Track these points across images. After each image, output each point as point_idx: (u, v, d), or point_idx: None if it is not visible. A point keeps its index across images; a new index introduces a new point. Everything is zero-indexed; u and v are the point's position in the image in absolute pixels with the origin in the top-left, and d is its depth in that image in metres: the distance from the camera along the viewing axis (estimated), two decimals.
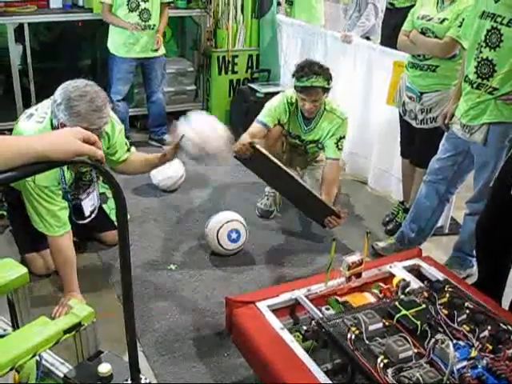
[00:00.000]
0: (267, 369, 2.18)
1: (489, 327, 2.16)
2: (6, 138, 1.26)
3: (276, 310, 2.45)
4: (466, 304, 2.31)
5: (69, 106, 2.74)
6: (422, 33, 3.57)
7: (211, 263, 3.58)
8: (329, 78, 3.82)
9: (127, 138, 4.68)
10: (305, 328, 2.32)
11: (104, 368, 1.81)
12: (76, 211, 3.22)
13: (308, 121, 3.98)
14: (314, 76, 3.76)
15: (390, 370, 1.95)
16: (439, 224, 3.84)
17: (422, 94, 3.67)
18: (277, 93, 4.26)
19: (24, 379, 1.87)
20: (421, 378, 1.89)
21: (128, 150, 3.38)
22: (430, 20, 3.55)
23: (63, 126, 2.79)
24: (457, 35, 3.40)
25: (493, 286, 2.99)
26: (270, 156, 3.52)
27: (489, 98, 2.99)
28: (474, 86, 3.04)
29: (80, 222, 3.26)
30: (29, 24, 5.08)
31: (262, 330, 2.34)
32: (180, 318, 3.08)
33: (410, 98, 3.76)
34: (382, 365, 1.97)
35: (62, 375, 1.94)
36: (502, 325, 2.20)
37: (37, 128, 2.93)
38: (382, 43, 5.20)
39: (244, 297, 2.57)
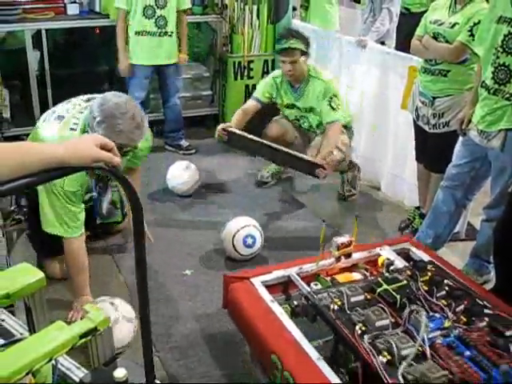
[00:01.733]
0: (257, 338, 2.35)
1: (465, 302, 2.32)
2: (29, 144, 1.28)
3: (269, 286, 2.60)
4: (446, 282, 2.48)
5: (111, 123, 2.74)
6: (434, 37, 3.57)
7: (227, 268, 3.58)
8: (306, 43, 4.26)
9: None
10: (295, 303, 2.47)
11: (120, 373, 1.81)
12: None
13: (294, 88, 4.38)
14: (292, 38, 4.19)
15: (366, 337, 2.12)
16: (456, 229, 3.81)
17: (434, 98, 3.66)
18: None
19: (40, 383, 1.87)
20: (394, 344, 2.04)
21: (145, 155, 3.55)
22: (441, 24, 3.54)
23: None
24: (466, 40, 3.40)
25: (510, 291, 2.96)
26: (244, 134, 4.10)
27: (506, 104, 2.96)
28: (491, 91, 3.02)
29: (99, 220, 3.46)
30: (46, 30, 5.13)
31: (254, 302, 2.49)
32: (195, 324, 3.09)
33: (422, 102, 3.75)
34: (359, 332, 2.15)
35: (77, 380, 1.95)
36: (478, 301, 2.38)
37: (69, 136, 2.89)
38: (397, 48, 5.19)
39: (240, 273, 2.74)
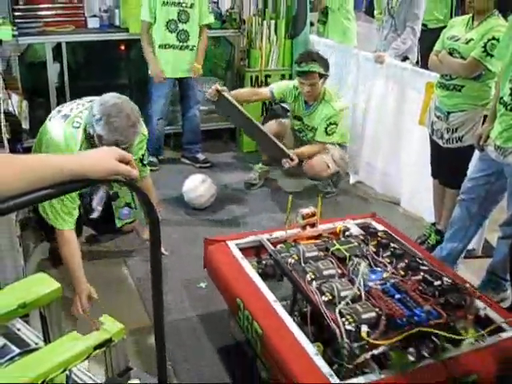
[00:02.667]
0: (226, 287, 2.80)
1: (405, 261, 2.74)
2: (47, 156, 1.29)
3: (243, 249, 3.00)
4: (393, 245, 2.90)
5: (108, 121, 3.00)
6: (450, 53, 3.60)
7: None
8: (325, 66, 4.54)
9: (159, 154, 4.77)
10: (264, 262, 2.93)
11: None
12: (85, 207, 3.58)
13: (308, 106, 4.70)
14: (311, 62, 4.46)
15: (314, 283, 2.51)
16: (472, 246, 3.79)
17: (449, 113, 3.67)
18: None
19: None
20: (335, 287, 2.42)
21: (143, 165, 3.70)
22: (457, 40, 3.57)
23: (99, 137, 3.07)
24: (480, 55, 3.40)
25: None
26: (232, 101, 4.26)
27: None
28: (509, 107, 3.02)
29: (90, 215, 3.67)
30: (66, 43, 5.19)
31: (227, 259, 2.92)
32: (209, 336, 3.10)
33: (438, 117, 3.76)
34: (309, 279, 2.53)
35: None
36: (418, 260, 2.77)
37: (73, 132, 3.21)
38: (417, 63, 5.19)
39: (219, 237, 3.12)
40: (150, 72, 5.08)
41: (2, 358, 2.01)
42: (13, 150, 3.46)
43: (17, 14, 5.14)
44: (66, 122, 3.29)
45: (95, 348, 1.81)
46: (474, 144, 3.41)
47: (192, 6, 4.99)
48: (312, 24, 6.19)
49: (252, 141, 5.26)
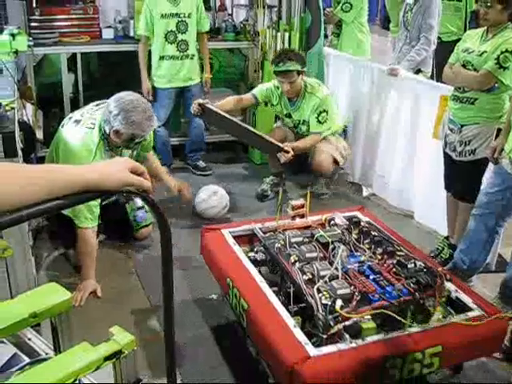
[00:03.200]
0: (218, 268, 3.07)
1: (383, 247, 3.03)
2: (59, 167, 1.29)
3: (236, 237, 3.26)
4: (373, 233, 3.19)
5: (126, 116, 3.31)
6: (463, 65, 3.58)
7: None
8: (302, 62, 4.62)
9: (166, 163, 5.11)
10: (255, 249, 3.17)
11: None
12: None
13: (292, 102, 4.78)
14: (288, 61, 4.53)
15: (297, 264, 2.79)
16: (487, 261, 3.76)
17: (462, 126, 3.66)
18: None
19: None
20: (315, 267, 2.71)
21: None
22: (471, 53, 3.56)
23: (117, 132, 3.36)
24: (492, 68, 3.39)
25: None
26: (217, 110, 4.36)
27: None
28: None
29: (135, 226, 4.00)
30: (81, 54, 5.23)
31: (220, 245, 3.19)
32: (219, 347, 3.08)
33: (451, 130, 3.75)
34: (292, 260, 2.82)
35: None
36: (395, 246, 3.05)
37: (88, 133, 3.43)
38: (432, 77, 5.18)
39: (214, 226, 3.43)
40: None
41: (12, 368, 2.01)
42: (27, 160, 3.49)
43: (33, 24, 5.19)
44: (79, 125, 3.48)
45: (106, 359, 1.81)
46: (487, 157, 3.39)
47: (190, 15, 5.06)
48: (326, 36, 6.20)
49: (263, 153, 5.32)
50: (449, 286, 2.85)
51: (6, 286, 2.58)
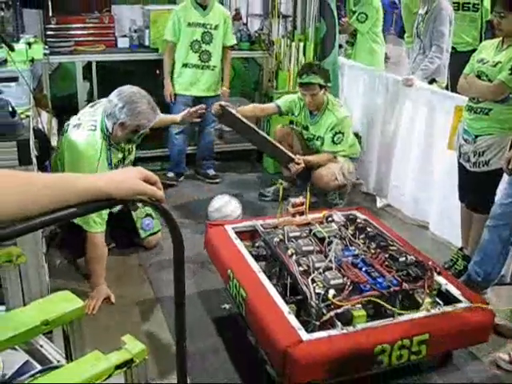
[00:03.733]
0: (220, 261, 3.25)
1: (377, 242, 3.21)
2: (71, 175, 1.28)
3: (238, 233, 3.43)
4: (368, 229, 3.36)
5: (131, 107, 3.37)
6: (478, 76, 3.57)
7: None
8: (325, 77, 4.69)
9: (179, 170, 5.27)
10: (256, 244, 3.36)
11: None
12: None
13: (313, 115, 4.83)
14: (311, 74, 4.60)
15: (294, 257, 2.97)
16: (501, 273, 3.73)
17: (476, 136, 3.64)
18: None
19: None
20: (311, 260, 2.89)
21: None
22: (485, 63, 3.54)
23: (122, 124, 3.40)
24: (506, 78, 3.37)
25: None
26: (236, 114, 4.49)
27: None
28: None
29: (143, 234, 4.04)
30: (97, 62, 5.26)
31: (222, 239, 3.36)
32: (231, 358, 3.07)
33: (465, 140, 3.73)
34: (289, 253, 3.00)
35: None
36: (389, 241, 3.23)
37: (91, 134, 3.46)
38: (447, 88, 5.15)
39: (217, 222, 3.70)
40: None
41: (23, 375, 2.01)
42: (41, 167, 3.50)
43: (49, 33, 5.24)
44: (80, 128, 3.51)
45: (117, 368, 1.80)
46: (502, 167, 3.37)
47: (216, 27, 5.12)
48: (341, 46, 6.20)
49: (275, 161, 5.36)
50: (440, 279, 3.02)
51: (19, 292, 2.57)
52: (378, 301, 2.68)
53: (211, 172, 5.54)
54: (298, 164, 4.55)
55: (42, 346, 2.23)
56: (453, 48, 5.41)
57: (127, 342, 1.88)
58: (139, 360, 1.87)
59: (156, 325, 3.32)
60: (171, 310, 3.33)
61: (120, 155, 3.70)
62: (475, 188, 3.76)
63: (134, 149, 3.91)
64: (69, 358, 2.20)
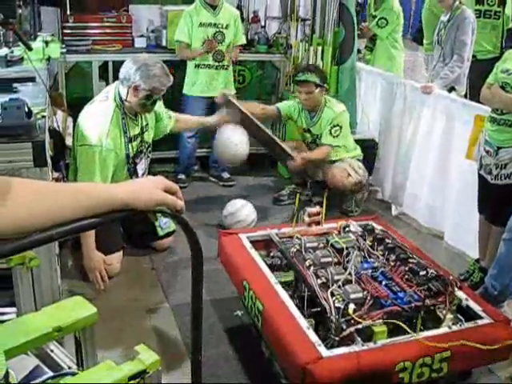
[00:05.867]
0: (235, 271, 3.19)
1: (397, 254, 3.12)
2: (91, 185, 1.26)
3: (253, 242, 3.37)
4: (387, 241, 3.25)
5: (147, 69, 3.51)
6: (502, 87, 3.49)
7: None
8: (321, 76, 4.74)
9: (189, 173, 5.32)
10: (272, 254, 3.29)
11: None
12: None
13: (312, 116, 4.85)
14: (307, 72, 4.67)
15: (312, 268, 2.88)
16: None
17: (498, 148, 3.57)
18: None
19: None
20: (329, 272, 2.80)
21: (170, 117, 4.16)
22: (510, 74, 3.47)
23: (135, 88, 3.52)
24: None
25: None
26: (238, 105, 4.50)
27: None
28: None
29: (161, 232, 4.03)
30: (113, 62, 5.24)
31: (236, 248, 3.31)
32: (244, 365, 3.03)
33: (487, 152, 3.66)
34: (307, 264, 2.91)
35: None
36: (408, 253, 3.13)
37: (101, 104, 3.64)
38: (465, 96, 5.10)
39: (232, 231, 3.65)
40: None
41: (33, 380, 1.98)
42: (55, 167, 3.48)
43: (66, 31, 5.22)
44: (93, 104, 3.69)
45: (130, 378, 1.77)
46: None
47: (227, 26, 5.15)
48: (359, 51, 6.15)
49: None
50: (460, 294, 2.94)
51: (30, 296, 2.54)
52: (399, 323, 2.61)
53: (225, 175, 5.51)
54: (296, 161, 4.57)
55: (52, 351, 2.20)
56: (473, 56, 5.35)
57: (140, 352, 1.84)
58: (152, 371, 1.83)
59: (168, 329, 3.30)
60: (183, 316, 3.30)
61: (137, 130, 3.79)
62: (496, 201, 3.70)
63: (152, 132, 4.00)
64: (80, 364, 2.16)
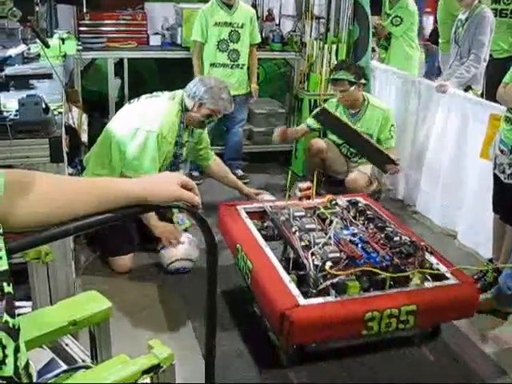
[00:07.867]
0: (230, 237, 3.49)
1: (375, 223, 3.43)
2: (107, 180, 1.27)
3: (249, 213, 3.67)
4: (368, 212, 3.57)
5: (216, 91, 3.79)
6: None
7: None
8: (356, 73, 4.64)
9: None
10: (265, 224, 3.61)
11: None
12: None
13: (353, 114, 4.82)
14: (340, 71, 4.65)
15: (297, 233, 3.21)
16: None
17: None
18: None
19: None
20: (312, 236, 3.11)
21: (210, 151, 4.38)
22: None
23: (201, 105, 3.79)
24: None
25: None
26: (336, 115, 4.63)
27: None
28: None
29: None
30: (128, 59, 5.27)
31: (233, 218, 3.61)
32: (256, 363, 3.04)
33: (501, 151, 3.63)
34: (293, 230, 3.25)
35: None
36: (386, 223, 3.47)
37: (171, 102, 3.83)
38: (482, 95, 5.06)
39: (230, 203, 3.86)
40: None
41: (48, 373, 2.00)
42: (70, 164, 3.51)
43: (82, 29, 5.26)
44: (158, 98, 3.88)
45: (143, 372, 1.78)
46: None
47: (243, 26, 5.16)
48: (374, 50, 6.13)
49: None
50: (431, 259, 3.23)
51: (46, 290, 2.57)
52: (370, 268, 2.91)
53: (239, 172, 5.50)
54: (397, 165, 4.54)
55: (67, 345, 2.21)
56: (489, 55, 5.32)
57: (154, 347, 1.86)
58: (166, 365, 1.84)
59: (182, 328, 3.31)
60: (196, 311, 3.32)
61: (185, 138, 3.99)
62: (510, 200, 3.68)
63: (187, 150, 4.14)
64: (94, 359, 2.18)
